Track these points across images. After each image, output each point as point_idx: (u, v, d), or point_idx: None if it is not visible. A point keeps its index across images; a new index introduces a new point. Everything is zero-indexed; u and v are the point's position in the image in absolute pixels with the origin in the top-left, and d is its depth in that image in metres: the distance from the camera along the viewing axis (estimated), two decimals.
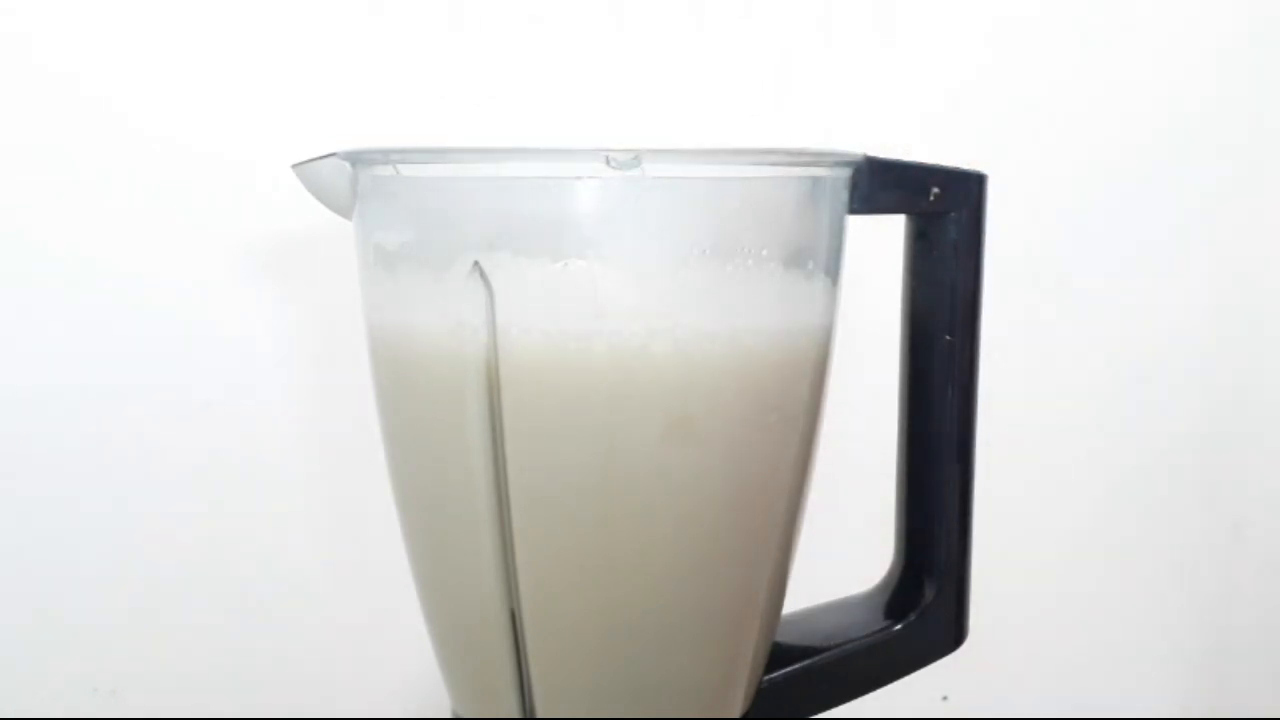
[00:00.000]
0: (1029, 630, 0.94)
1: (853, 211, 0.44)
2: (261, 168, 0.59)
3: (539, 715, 0.43)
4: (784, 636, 0.48)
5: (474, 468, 0.41)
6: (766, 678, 0.47)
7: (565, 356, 0.39)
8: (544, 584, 0.42)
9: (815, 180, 0.42)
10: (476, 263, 0.39)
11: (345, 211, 0.44)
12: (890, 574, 0.51)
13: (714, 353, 0.39)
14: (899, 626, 0.49)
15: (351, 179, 0.42)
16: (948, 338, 0.47)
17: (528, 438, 0.40)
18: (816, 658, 0.48)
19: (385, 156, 0.41)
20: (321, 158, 0.42)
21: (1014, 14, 0.82)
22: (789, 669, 0.47)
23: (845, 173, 0.43)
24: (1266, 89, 0.90)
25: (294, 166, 0.43)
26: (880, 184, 0.44)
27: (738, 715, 0.46)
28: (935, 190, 0.45)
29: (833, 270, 0.43)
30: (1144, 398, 0.94)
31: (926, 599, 0.49)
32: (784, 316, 0.41)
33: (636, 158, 0.38)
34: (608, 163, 0.38)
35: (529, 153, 0.39)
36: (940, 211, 0.46)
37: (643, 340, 0.39)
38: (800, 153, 0.42)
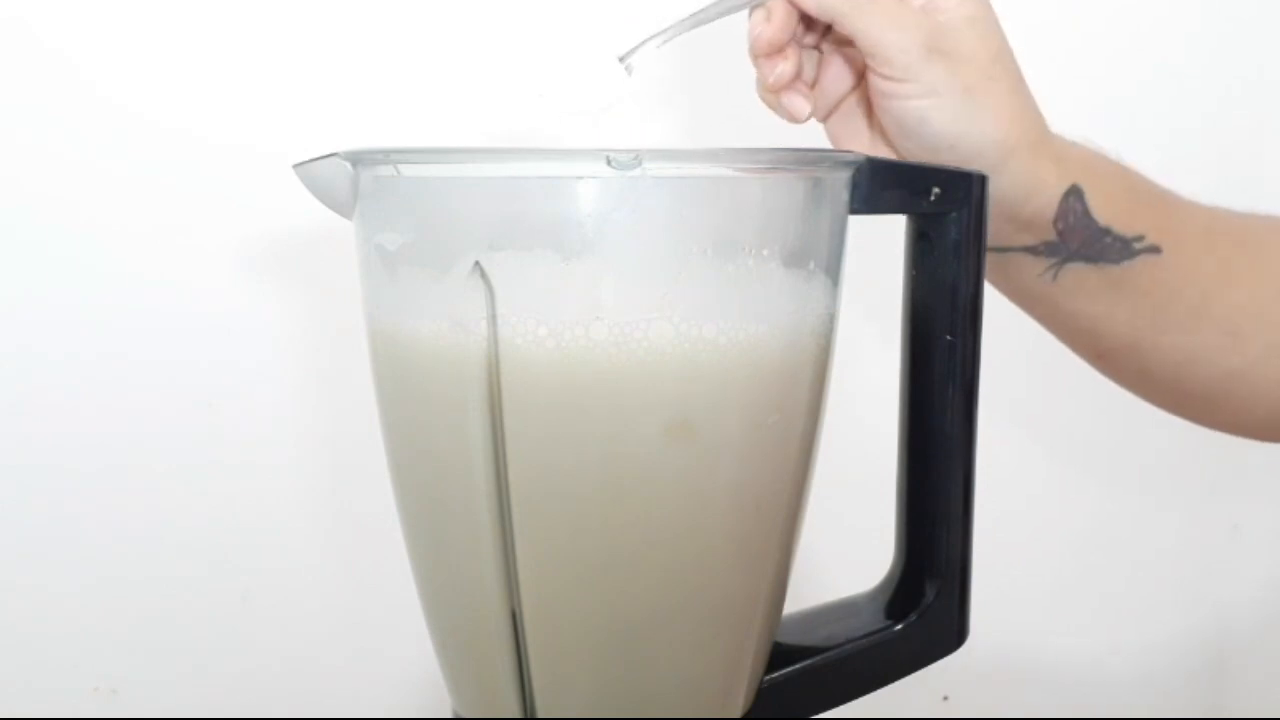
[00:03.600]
0: (1029, 630, 0.94)
1: (853, 212, 0.44)
2: (262, 167, 0.59)
3: (539, 715, 0.43)
4: (784, 636, 0.48)
5: (475, 467, 0.40)
6: (767, 678, 0.47)
7: (566, 356, 0.39)
8: (544, 584, 0.42)
9: (816, 180, 0.42)
10: (477, 263, 0.39)
11: (346, 211, 0.43)
12: (891, 574, 0.51)
13: (715, 353, 0.39)
14: (899, 626, 0.49)
15: (352, 179, 0.42)
16: (948, 337, 0.47)
17: (528, 437, 0.40)
18: (817, 658, 0.48)
19: (386, 156, 0.41)
20: (322, 158, 0.42)
21: (1014, 13, 0.82)
22: (790, 669, 0.47)
23: (846, 173, 0.43)
24: (1268, 90, 0.90)
25: (295, 166, 0.43)
26: (881, 184, 0.44)
27: (738, 715, 0.46)
28: (935, 190, 0.45)
29: (833, 270, 0.43)
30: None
31: (927, 599, 0.49)
32: (785, 316, 0.41)
33: (637, 158, 0.38)
34: (609, 163, 0.38)
35: (530, 153, 0.39)
36: (940, 211, 0.46)
37: (643, 340, 0.39)
38: (801, 153, 0.42)
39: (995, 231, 0.50)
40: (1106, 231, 0.52)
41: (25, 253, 0.73)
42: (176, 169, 0.73)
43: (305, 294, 0.77)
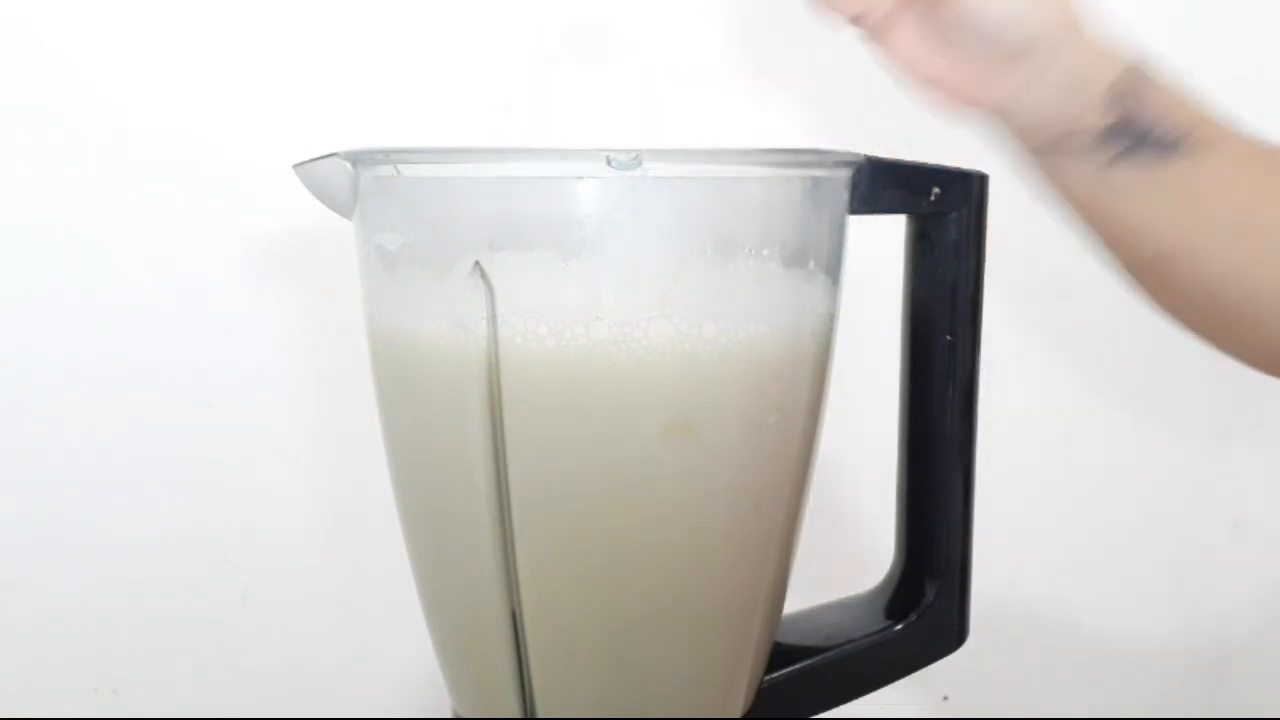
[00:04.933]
0: (1029, 630, 0.94)
1: (853, 212, 0.44)
2: (262, 167, 0.60)
3: (539, 715, 0.43)
4: (784, 636, 0.48)
5: (475, 467, 0.41)
6: (767, 678, 0.47)
7: (566, 356, 0.39)
8: (544, 584, 0.42)
9: (816, 180, 0.42)
10: (477, 263, 0.39)
11: (346, 211, 0.44)
12: (891, 574, 0.51)
13: (714, 352, 0.40)
14: (899, 626, 0.49)
15: (353, 179, 0.42)
16: (948, 337, 0.47)
17: (528, 437, 0.40)
18: (817, 658, 0.48)
19: (386, 157, 0.41)
20: (323, 158, 0.42)
21: None
22: (789, 669, 0.47)
23: (846, 173, 0.43)
24: (1268, 90, 0.90)
25: (295, 166, 0.43)
26: (881, 184, 0.44)
27: (739, 715, 0.46)
28: (936, 190, 0.45)
29: (833, 270, 0.43)
30: (1144, 397, 0.94)
31: (927, 599, 0.49)
32: (785, 316, 0.41)
33: (637, 158, 0.38)
34: (609, 163, 0.38)
35: (530, 153, 0.39)
36: (941, 211, 0.46)
37: (643, 340, 0.39)
38: (801, 153, 0.42)
39: (1050, 123, 0.49)
40: (1165, 115, 0.51)
41: (25, 253, 0.73)
42: (177, 169, 0.73)
43: (305, 294, 0.77)
